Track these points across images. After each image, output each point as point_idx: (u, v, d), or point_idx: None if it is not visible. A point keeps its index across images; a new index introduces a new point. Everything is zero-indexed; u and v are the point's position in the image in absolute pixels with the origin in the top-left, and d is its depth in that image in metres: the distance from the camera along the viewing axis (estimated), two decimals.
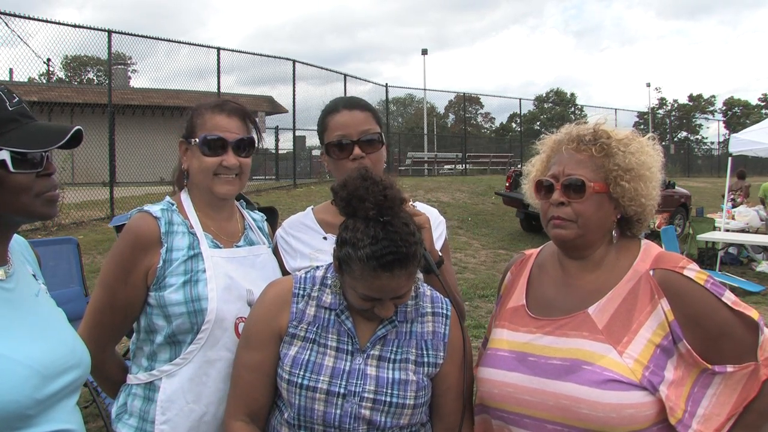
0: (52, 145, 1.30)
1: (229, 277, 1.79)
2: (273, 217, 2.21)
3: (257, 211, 2.13)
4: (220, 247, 1.84)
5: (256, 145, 1.90)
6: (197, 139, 1.81)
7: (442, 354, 1.65)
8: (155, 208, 1.82)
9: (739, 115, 63.90)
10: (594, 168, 1.58)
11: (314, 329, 1.62)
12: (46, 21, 10.89)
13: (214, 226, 1.88)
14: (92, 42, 12.06)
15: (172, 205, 1.86)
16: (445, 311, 1.69)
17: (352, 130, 1.88)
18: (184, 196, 1.89)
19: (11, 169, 1.26)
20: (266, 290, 1.71)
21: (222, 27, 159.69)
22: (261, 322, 1.65)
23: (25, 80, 16.44)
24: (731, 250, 11.64)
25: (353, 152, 1.86)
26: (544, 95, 64.66)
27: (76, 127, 1.32)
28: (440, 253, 1.80)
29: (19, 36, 10.78)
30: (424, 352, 1.63)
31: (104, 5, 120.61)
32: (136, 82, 24.55)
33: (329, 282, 1.66)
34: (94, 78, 41.21)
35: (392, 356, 1.60)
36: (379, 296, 1.51)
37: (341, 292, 1.63)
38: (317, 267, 1.73)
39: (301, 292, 1.67)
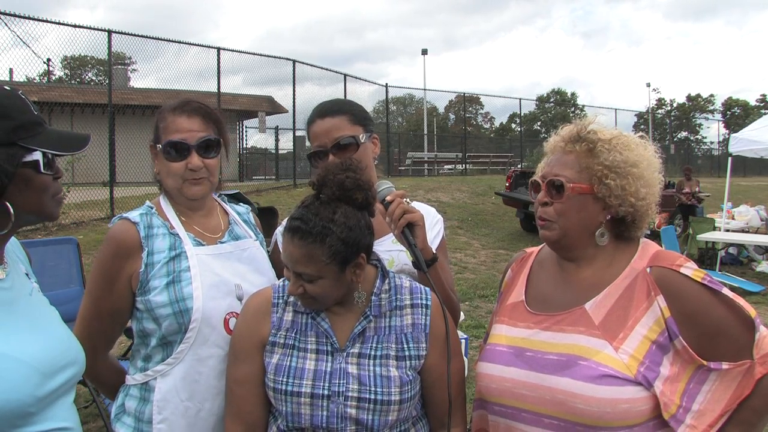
0: (77, 149, 1.41)
1: (216, 273, 1.79)
2: (273, 217, 2.21)
3: (241, 204, 2.11)
4: (204, 245, 1.84)
5: (222, 144, 1.87)
6: (160, 145, 1.81)
7: (424, 346, 1.63)
8: (134, 214, 1.82)
9: (738, 116, 63.90)
10: (578, 168, 1.58)
11: (293, 335, 1.63)
12: (46, 21, 10.90)
13: (196, 225, 1.87)
14: (93, 42, 12.06)
15: (152, 208, 1.86)
16: (424, 302, 1.67)
17: (326, 139, 1.91)
18: (163, 199, 1.89)
19: (42, 170, 1.32)
20: (247, 302, 1.72)
21: (233, 29, 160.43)
22: (244, 335, 1.66)
23: (24, 80, 16.42)
24: (731, 250, 11.64)
25: (328, 160, 1.88)
26: (545, 95, 64.70)
27: (89, 134, 1.44)
28: (434, 251, 1.80)
29: (18, 36, 10.80)
30: (405, 346, 1.62)
31: (116, 6, 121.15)
32: (136, 82, 24.56)
33: None
34: (94, 78, 41.24)
35: (372, 353, 1.60)
36: (285, 261, 1.56)
37: None
38: None
39: (280, 301, 1.68)
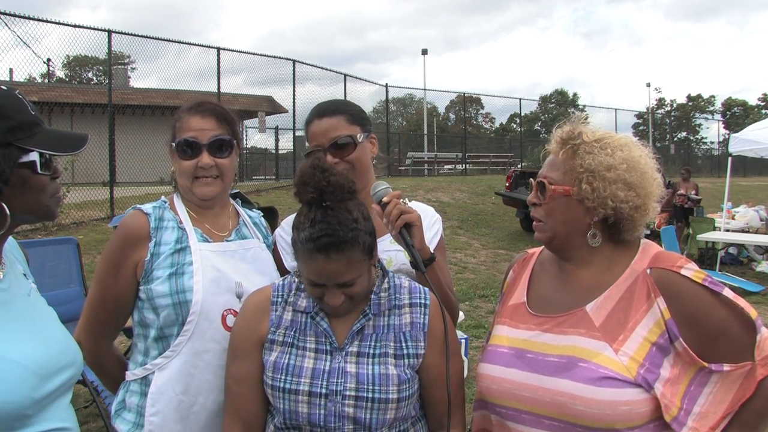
0: (75, 149, 1.40)
1: (218, 269, 1.82)
2: (273, 217, 2.22)
3: (255, 210, 2.14)
4: (210, 242, 1.87)
5: (235, 145, 1.89)
6: (174, 143, 1.85)
7: (422, 344, 1.63)
8: (147, 206, 1.88)
9: (738, 116, 63.92)
10: (564, 170, 1.59)
11: (292, 333, 1.63)
12: (46, 21, 10.90)
13: (206, 223, 1.91)
14: (94, 42, 12.07)
15: (165, 203, 1.91)
16: (423, 301, 1.68)
17: (323, 138, 1.93)
18: (177, 196, 1.93)
19: (38, 170, 1.32)
20: (247, 300, 1.73)
21: (235, 29, 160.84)
22: (243, 333, 1.67)
23: (25, 80, 16.42)
24: (731, 250, 11.64)
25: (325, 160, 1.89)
26: (547, 96, 64.71)
27: (86, 135, 1.44)
28: (432, 251, 1.80)
29: (18, 36, 10.80)
30: (403, 344, 1.62)
31: (118, 6, 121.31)
32: (136, 82, 24.57)
33: (304, 286, 1.66)
34: (94, 78, 41.23)
35: (371, 351, 1.60)
36: (322, 281, 1.53)
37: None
38: (295, 272, 1.72)
39: (279, 299, 1.68)
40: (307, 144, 2.01)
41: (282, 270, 1.97)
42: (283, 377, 1.58)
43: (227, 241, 1.91)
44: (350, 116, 1.97)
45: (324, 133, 1.93)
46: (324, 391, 1.55)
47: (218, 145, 1.85)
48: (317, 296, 1.58)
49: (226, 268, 1.84)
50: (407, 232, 1.72)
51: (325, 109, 1.99)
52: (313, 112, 2.01)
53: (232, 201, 2.05)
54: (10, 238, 1.49)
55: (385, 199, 1.76)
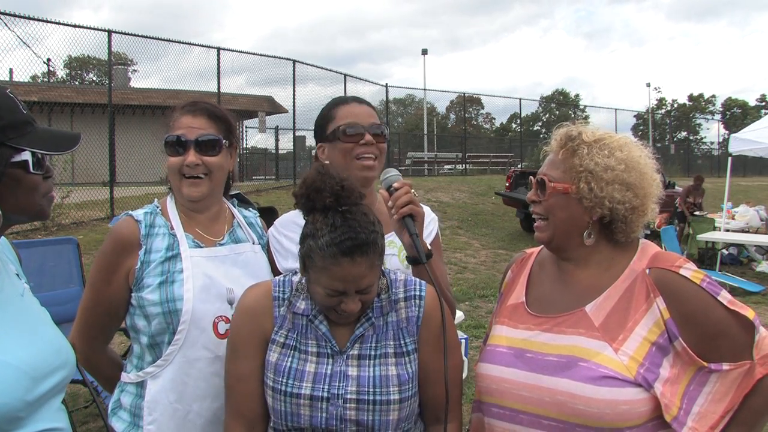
0: (68, 149, 1.39)
1: (208, 276, 1.80)
2: (273, 217, 2.21)
3: (251, 210, 2.13)
4: (202, 247, 1.85)
5: (226, 144, 1.86)
6: (164, 141, 1.84)
7: (416, 338, 1.62)
8: (139, 212, 1.86)
9: (737, 116, 63.96)
10: (564, 169, 1.60)
11: (294, 336, 1.61)
12: (46, 21, 10.90)
13: (198, 227, 1.88)
14: (95, 43, 12.07)
15: (157, 207, 1.89)
16: (417, 293, 1.65)
17: (364, 120, 1.94)
18: (169, 199, 1.91)
19: (31, 169, 1.31)
20: (245, 297, 1.68)
21: (238, 29, 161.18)
22: (246, 331, 1.63)
23: (26, 80, 16.42)
24: (731, 250, 11.64)
25: (365, 138, 1.90)
26: (548, 96, 64.69)
27: (79, 134, 1.44)
28: (430, 246, 1.79)
29: (18, 36, 10.81)
30: (401, 342, 1.60)
31: (120, 6, 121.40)
32: (137, 82, 24.56)
33: (303, 287, 1.64)
34: (95, 78, 41.24)
35: (371, 353, 1.58)
36: (343, 287, 1.50)
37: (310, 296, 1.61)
38: (294, 272, 1.70)
39: (282, 296, 1.65)
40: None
41: (275, 271, 1.95)
42: (284, 380, 1.56)
43: (219, 245, 1.88)
44: (379, 116, 2.02)
45: (366, 116, 1.95)
46: (325, 394, 1.54)
47: (205, 143, 1.81)
48: (332, 305, 1.53)
49: (217, 274, 1.82)
50: (411, 221, 1.71)
51: (362, 99, 2.05)
52: (348, 97, 2.05)
53: (227, 202, 2.02)
54: (3, 239, 1.48)
55: (396, 185, 1.75)
